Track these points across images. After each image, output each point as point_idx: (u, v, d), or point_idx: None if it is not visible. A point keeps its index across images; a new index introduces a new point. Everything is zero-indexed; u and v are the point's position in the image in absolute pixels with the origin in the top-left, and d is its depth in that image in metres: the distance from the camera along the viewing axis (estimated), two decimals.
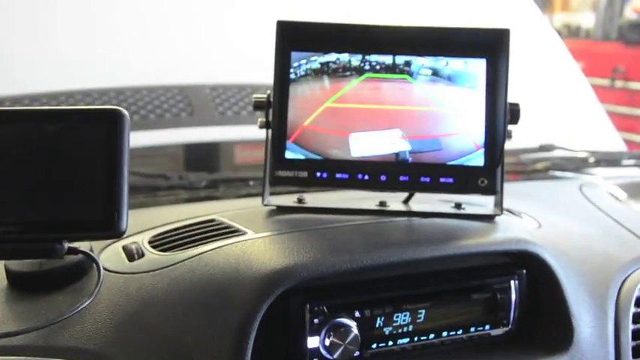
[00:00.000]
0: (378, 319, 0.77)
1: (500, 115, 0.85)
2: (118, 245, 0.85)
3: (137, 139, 1.03)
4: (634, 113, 4.10)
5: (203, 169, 1.25)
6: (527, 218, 0.97)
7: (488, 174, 0.85)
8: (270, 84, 0.87)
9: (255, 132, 0.90)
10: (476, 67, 0.86)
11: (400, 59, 0.86)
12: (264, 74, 0.96)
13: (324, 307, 0.74)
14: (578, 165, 1.32)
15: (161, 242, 0.85)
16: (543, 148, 1.35)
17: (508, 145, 0.88)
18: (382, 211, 0.88)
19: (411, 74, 0.86)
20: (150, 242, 0.85)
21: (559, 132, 1.48)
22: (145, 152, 1.29)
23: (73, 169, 0.69)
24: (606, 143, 1.52)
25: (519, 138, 0.91)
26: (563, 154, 1.35)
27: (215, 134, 1.32)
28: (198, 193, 1.09)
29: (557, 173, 1.29)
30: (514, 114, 0.86)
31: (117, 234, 0.69)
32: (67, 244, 0.69)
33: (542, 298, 0.84)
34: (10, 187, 0.68)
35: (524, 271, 0.83)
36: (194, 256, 0.79)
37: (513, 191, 1.10)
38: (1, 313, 0.74)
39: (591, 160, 1.34)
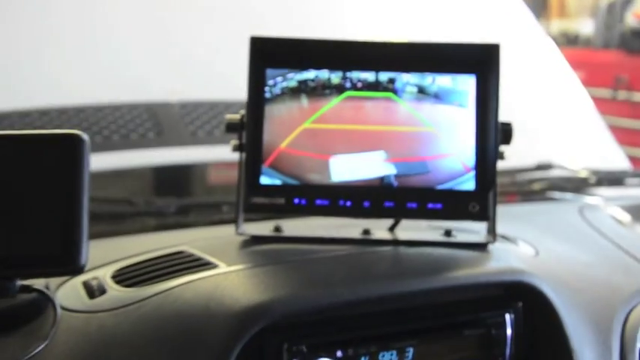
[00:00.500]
0: (363, 358, 0.76)
1: (491, 134, 0.86)
2: (77, 281, 0.84)
3: (100, 161, 1.03)
4: (638, 126, 4.14)
5: (172, 194, 1.25)
6: (523, 245, 0.97)
7: (480, 198, 0.86)
8: (244, 101, 0.88)
9: (228, 153, 0.90)
10: (465, 84, 0.87)
11: (384, 76, 0.87)
12: (238, 91, 0.96)
13: (303, 347, 0.74)
14: (578, 185, 1.34)
15: (125, 277, 0.84)
16: (540, 167, 1.36)
17: (501, 164, 0.88)
18: (366, 240, 0.89)
19: (395, 92, 0.87)
20: (113, 277, 0.84)
21: (557, 149, 1.50)
22: (108, 175, 1.28)
23: (26, 199, 0.68)
24: (608, 160, 1.54)
25: (514, 156, 0.92)
26: (562, 173, 1.37)
27: (185, 155, 1.31)
28: (167, 221, 1.09)
29: (556, 194, 1.30)
30: (506, 133, 0.87)
31: (76, 269, 0.69)
32: (19, 282, 0.69)
33: (540, 332, 0.84)
34: None
35: (520, 303, 0.83)
36: (161, 292, 0.78)
37: (508, 215, 1.10)
38: None
39: (592, 179, 1.35)
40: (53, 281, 0.82)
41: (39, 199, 0.68)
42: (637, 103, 4.27)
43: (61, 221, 0.68)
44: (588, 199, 1.29)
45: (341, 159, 0.87)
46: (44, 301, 0.77)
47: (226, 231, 0.93)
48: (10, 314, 0.76)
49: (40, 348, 0.70)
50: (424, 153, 0.87)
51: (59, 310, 0.72)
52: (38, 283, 0.73)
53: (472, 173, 0.86)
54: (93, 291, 0.82)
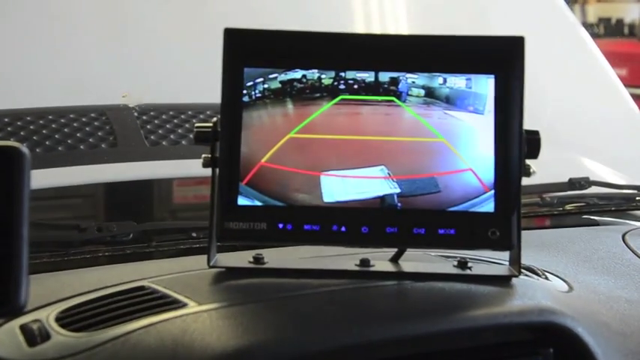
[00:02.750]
0: None
1: (514, 146, 0.87)
2: (15, 325, 0.85)
3: (41, 178, 1.04)
4: None
5: (130, 218, 1.26)
6: (554, 279, 0.99)
7: (501, 223, 0.87)
8: (217, 105, 0.88)
9: (197, 168, 0.91)
10: (482, 86, 0.89)
11: (384, 76, 0.88)
12: (210, 93, 0.98)
13: None
14: (620, 205, 1.35)
15: (73, 319, 0.85)
16: (574, 184, 1.38)
17: (526, 181, 0.90)
18: (364, 273, 0.89)
19: (398, 95, 0.88)
20: (57, 319, 0.85)
21: (594, 162, 1.51)
22: (52, 195, 1.29)
23: None
24: None
25: (542, 171, 0.93)
26: (601, 191, 1.38)
27: (145, 171, 1.32)
28: (124, 250, 1.10)
29: (594, 217, 1.31)
30: (533, 145, 0.88)
31: (13, 310, 0.69)
32: None
33: None
34: None
35: (552, 350, 0.85)
36: (117, 337, 0.79)
37: (535, 242, 1.12)
38: None
39: (638, 198, 1.37)
40: None
41: None
42: None
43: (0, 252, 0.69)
44: (633, 223, 1.31)
45: (334, 176, 0.88)
46: None
47: (196, 262, 0.94)
48: None
49: None
50: (433, 168, 0.88)
51: None
52: None
53: (491, 192, 0.88)
54: (34, 337, 0.82)
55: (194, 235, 1.13)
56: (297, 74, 0.88)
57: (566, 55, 1.70)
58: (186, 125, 1.32)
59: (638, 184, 1.41)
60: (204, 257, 0.90)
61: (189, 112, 1.34)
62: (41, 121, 1.28)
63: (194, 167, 0.94)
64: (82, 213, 1.35)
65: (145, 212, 1.38)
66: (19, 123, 1.28)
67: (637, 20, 5.06)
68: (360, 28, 1.59)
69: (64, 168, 1.26)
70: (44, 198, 1.27)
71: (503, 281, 0.89)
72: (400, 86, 0.88)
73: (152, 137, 1.31)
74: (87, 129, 1.30)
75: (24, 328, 0.84)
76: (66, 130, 1.28)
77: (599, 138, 1.63)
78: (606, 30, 5.04)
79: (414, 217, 0.87)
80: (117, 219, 1.28)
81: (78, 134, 1.28)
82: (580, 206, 1.33)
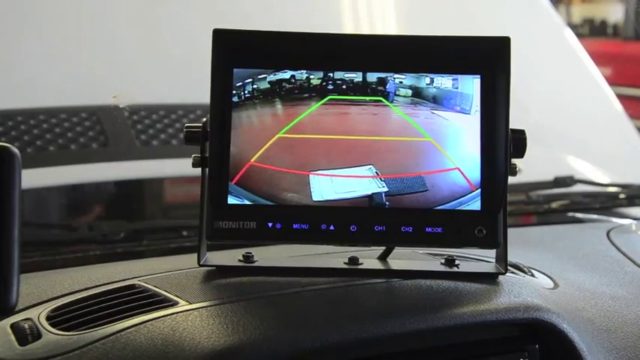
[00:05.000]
0: None
1: (500, 145, 0.87)
2: (5, 324, 0.84)
3: (31, 177, 1.04)
4: None
5: (121, 217, 1.26)
6: (540, 276, 0.99)
7: (488, 221, 0.87)
8: (206, 105, 0.88)
9: (187, 167, 0.91)
10: (468, 86, 0.89)
11: (372, 77, 0.88)
12: (199, 93, 0.97)
13: None
14: (605, 203, 1.36)
15: (64, 318, 0.84)
16: (559, 182, 1.38)
17: (513, 180, 0.90)
18: (353, 271, 0.90)
19: (386, 95, 0.88)
20: (48, 318, 0.84)
21: (579, 160, 1.52)
22: (43, 195, 1.28)
23: None
24: None
25: (528, 170, 0.93)
26: (586, 189, 1.38)
27: (135, 170, 1.32)
28: (115, 249, 1.09)
29: (579, 215, 1.32)
30: (519, 144, 0.89)
31: (4, 310, 0.69)
32: None
33: None
34: None
35: (537, 346, 0.85)
36: (108, 335, 0.79)
37: (521, 240, 1.12)
38: None
39: (622, 196, 1.38)
40: None
41: None
42: None
43: None
44: (617, 221, 1.31)
45: (322, 175, 0.88)
46: None
47: (186, 261, 0.94)
48: None
49: None
50: (421, 167, 0.88)
51: None
52: None
53: (478, 191, 0.88)
54: (25, 336, 0.82)
55: (184, 233, 1.13)
56: (286, 74, 0.88)
57: (551, 55, 1.71)
58: (177, 125, 1.32)
59: (621, 182, 1.42)
60: (195, 256, 0.90)
61: (180, 112, 1.34)
62: (32, 121, 1.28)
63: (184, 167, 0.93)
64: (73, 213, 1.34)
65: (136, 211, 1.38)
66: (9, 123, 1.27)
67: (620, 21, 5.08)
68: (348, 29, 1.59)
69: (54, 167, 1.25)
70: (35, 198, 1.26)
71: (489, 278, 0.89)
72: (388, 86, 0.88)
73: (143, 137, 1.31)
74: (78, 129, 1.29)
75: (15, 327, 0.83)
76: (57, 130, 1.28)
77: (584, 136, 1.63)
78: (591, 30, 5.06)
79: (402, 215, 0.87)
80: (108, 218, 1.29)
81: (69, 134, 1.28)
82: (565, 204, 1.34)
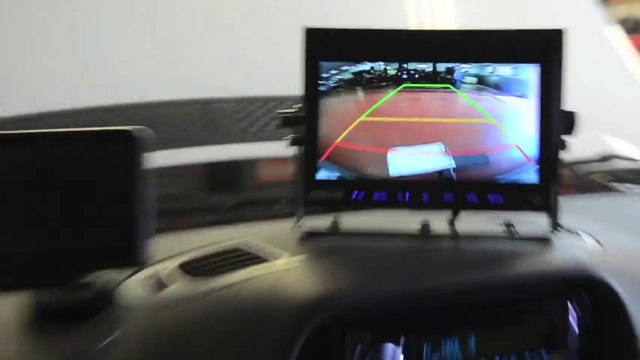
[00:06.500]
0: (426, 345, 0.76)
1: (554, 124, 0.84)
2: (142, 274, 0.85)
3: (157, 158, 1.05)
4: None
5: (228, 190, 1.26)
6: (587, 238, 0.95)
7: (542, 190, 0.84)
8: (296, 96, 0.88)
9: (279, 149, 0.90)
10: (527, 74, 0.85)
11: (441, 67, 0.86)
12: (284, 85, 0.97)
13: (367, 335, 0.74)
14: None
15: (191, 268, 0.85)
16: (602, 159, 1.33)
17: (561, 155, 0.86)
18: (425, 234, 0.88)
19: (453, 83, 0.86)
20: (180, 267, 0.85)
21: (617, 140, 1.46)
22: (164, 173, 1.30)
23: (85, 195, 0.70)
24: None
25: (575, 147, 0.90)
26: (626, 165, 1.33)
27: (239, 151, 1.32)
28: (224, 216, 1.10)
29: (619, 186, 1.26)
30: (569, 123, 0.85)
31: (137, 262, 0.70)
32: (84, 276, 0.70)
33: (607, 329, 0.82)
34: (19, 215, 0.69)
35: (584, 291, 0.81)
36: (223, 287, 0.79)
37: (569, 207, 1.07)
38: (22, 346, 0.75)
39: None
40: (116, 275, 0.84)
41: (99, 195, 0.70)
42: None
43: (121, 215, 0.70)
44: None
45: (399, 152, 0.86)
46: (108, 294, 0.78)
47: (283, 226, 0.94)
48: (76, 307, 0.77)
49: (107, 340, 0.72)
50: (484, 145, 0.85)
51: (123, 303, 0.73)
52: (105, 275, 0.75)
53: (534, 164, 0.85)
54: (156, 284, 0.83)
55: (280, 203, 1.12)
56: (366, 66, 0.87)
57: (595, 50, 1.65)
58: (270, 114, 1.32)
59: None
60: (290, 222, 0.90)
61: (273, 102, 1.34)
62: (158, 111, 1.30)
63: (277, 148, 0.93)
64: (189, 186, 1.36)
65: (240, 185, 1.38)
66: (143, 113, 1.29)
67: None
68: (412, 23, 1.56)
69: (177, 149, 1.27)
70: (160, 176, 1.28)
71: (544, 240, 0.86)
72: (455, 75, 0.86)
73: (243, 124, 1.31)
74: (193, 117, 1.31)
75: (148, 277, 0.84)
76: (176, 118, 1.29)
77: (621, 122, 1.57)
78: (632, 27, 4.85)
79: (468, 185, 0.85)
80: (217, 191, 1.29)
81: (186, 121, 1.29)
82: (607, 177, 1.28)
